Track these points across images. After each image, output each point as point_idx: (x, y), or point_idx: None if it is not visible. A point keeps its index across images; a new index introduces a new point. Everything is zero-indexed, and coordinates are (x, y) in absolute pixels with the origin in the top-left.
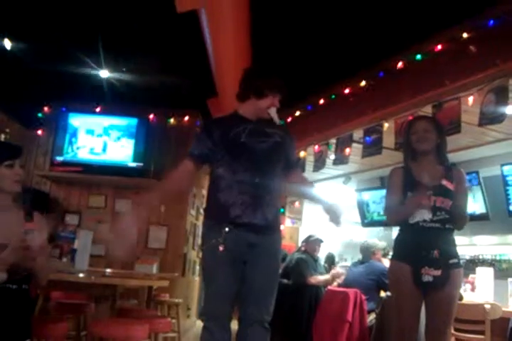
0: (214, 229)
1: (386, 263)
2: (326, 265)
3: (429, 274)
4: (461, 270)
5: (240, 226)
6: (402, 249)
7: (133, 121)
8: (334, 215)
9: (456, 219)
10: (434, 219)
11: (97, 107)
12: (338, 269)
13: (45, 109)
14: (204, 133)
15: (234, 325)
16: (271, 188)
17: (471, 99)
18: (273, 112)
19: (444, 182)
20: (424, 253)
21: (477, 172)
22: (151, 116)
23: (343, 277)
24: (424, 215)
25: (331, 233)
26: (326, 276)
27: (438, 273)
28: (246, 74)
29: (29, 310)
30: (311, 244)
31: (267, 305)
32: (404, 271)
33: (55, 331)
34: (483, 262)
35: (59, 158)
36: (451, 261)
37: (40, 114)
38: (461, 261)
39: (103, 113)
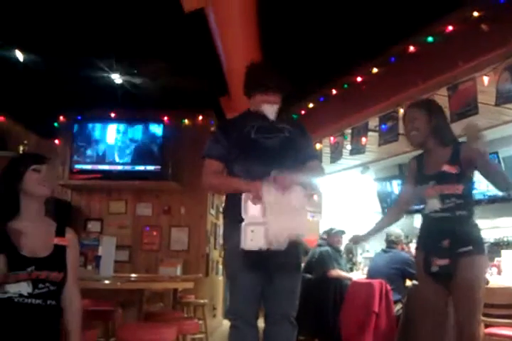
0: (234, 229)
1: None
2: (345, 256)
3: (435, 264)
4: (477, 257)
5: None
6: (419, 239)
7: (148, 125)
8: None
9: (500, 185)
10: (444, 208)
11: (111, 113)
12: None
13: (61, 118)
14: (221, 134)
15: (260, 323)
16: None
17: (486, 78)
18: (266, 109)
19: (445, 168)
20: (434, 244)
21: (497, 153)
22: (165, 118)
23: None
24: (434, 205)
25: (351, 224)
26: (349, 275)
27: (445, 262)
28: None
29: (57, 323)
30: (334, 236)
31: (291, 301)
32: (420, 261)
33: (84, 339)
34: (508, 244)
35: (78, 166)
36: (461, 250)
37: (56, 124)
38: (485, 245)
39: (118, 118)
